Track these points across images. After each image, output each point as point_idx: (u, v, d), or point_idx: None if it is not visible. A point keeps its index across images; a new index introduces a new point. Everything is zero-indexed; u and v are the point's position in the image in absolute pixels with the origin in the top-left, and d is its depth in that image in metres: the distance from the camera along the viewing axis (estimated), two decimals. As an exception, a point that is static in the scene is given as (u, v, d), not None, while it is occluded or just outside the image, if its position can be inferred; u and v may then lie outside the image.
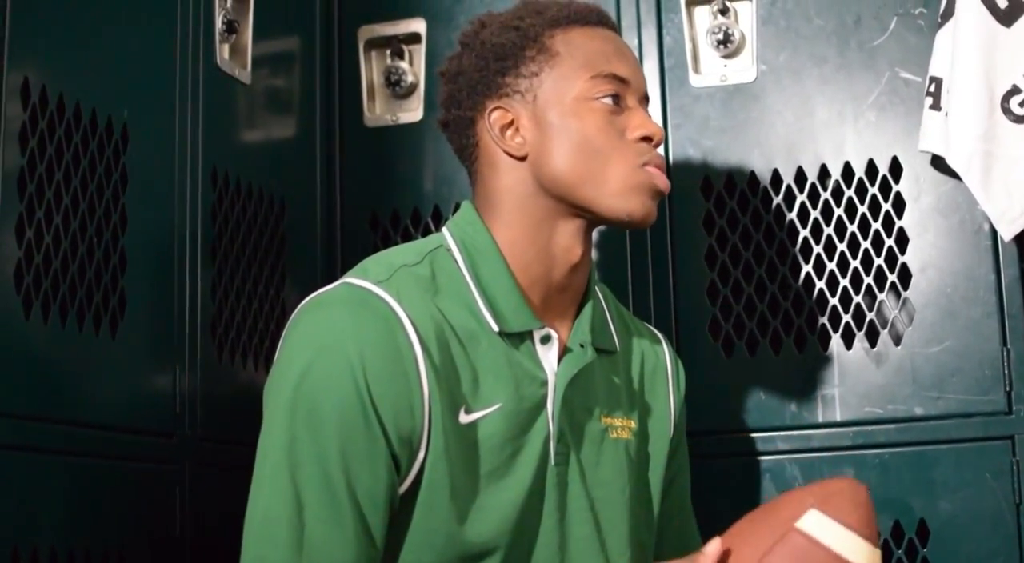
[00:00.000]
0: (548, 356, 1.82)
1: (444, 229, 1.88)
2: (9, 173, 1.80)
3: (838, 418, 2.33)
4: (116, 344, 1.99)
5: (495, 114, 1.85)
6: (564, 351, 1.85)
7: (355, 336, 1.68)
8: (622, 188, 1.80)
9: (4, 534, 1.74)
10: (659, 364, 2.03)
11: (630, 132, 1.83)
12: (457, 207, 2.55)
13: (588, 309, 1.88)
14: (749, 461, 2.36)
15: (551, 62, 1.84)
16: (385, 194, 2.63)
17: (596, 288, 1.95)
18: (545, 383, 1.81)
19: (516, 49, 1.85)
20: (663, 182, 1.83)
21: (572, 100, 1.82)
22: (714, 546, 1.61)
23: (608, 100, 1.82)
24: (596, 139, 1.81)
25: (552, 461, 1.80)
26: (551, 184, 1.82)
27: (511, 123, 1.84)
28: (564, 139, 1.81)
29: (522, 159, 1.84)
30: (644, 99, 1.88)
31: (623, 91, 1.84)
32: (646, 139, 1.83)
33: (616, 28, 1.95)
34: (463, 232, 1.85)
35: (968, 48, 2.23)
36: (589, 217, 1.84)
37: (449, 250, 1.84)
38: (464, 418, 1.74)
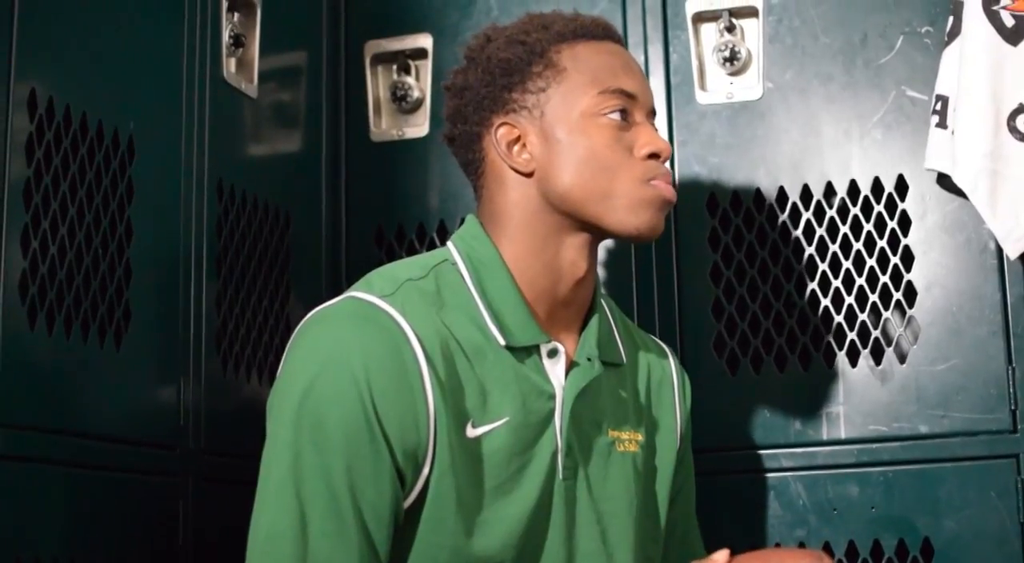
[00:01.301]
0: (555, 370, 1.81)
1: (449, 243, 1.87)
2: (15, 183, 1.80)
3: (843, 436, 2.32)
4: (120, 356, 1.98)
5: (502, 130, 1.84)
6: (571, 365, 1.84)
7: (360, 351, 1.67)
8: (629, 204, 1.79)
9: (6, 545, 1.74)
10: (665, 376, 2.02)
11: (638, 148, 1.82)
12: (462, 222, 2.56)
13: (594, 323, 1.87)
14: (753, 478, 2.36)
15: (558, 78, 1.82)
16: (390, 209, 2.63)
17: (602, 301, 1.94)
18: (553, 397, 1.80)
19: (523, 64, 1.84)
20: (670, 193, 1.82)
21: (579, 116, 1.81)
22: (723, 555, 1.61)
23: (616, 116, 1.81)
24: (603, 155, 1.80)
25: (560, 475, 1.79)
26: (558, 200, 1.81)
27: (518, 139, 1.83)
28: (571, 155, 1.80)
29: (529, 175, 1.83)
30: (651, 113, 1.87)
31: (631, 106, 1.83)
32: (654, 155, 1.82)
33: (623, 42, 1.93)
34: (468, 246, 1.84)
35: (975, 67, 2.23)
36: (596, 232, 1.83)
37: (454, 264, 1.83)
38: (471, 432, 1.73)
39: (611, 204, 1.79)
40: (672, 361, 2.05)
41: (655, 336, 2.26)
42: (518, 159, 1.83)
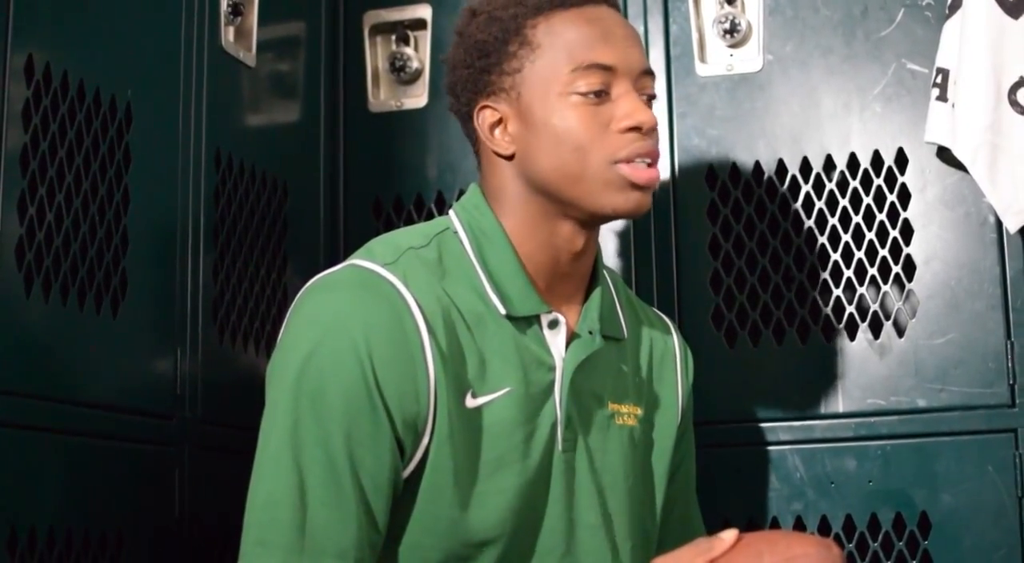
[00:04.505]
0: (556, 341, 1.80)
1: (451, 212, 1.86)
2: (12, 150, 1.79)
3: (840, 409, 2.32)
4: (117, 324, 1.98)
5: (483, 113, 1.81)
6: (572, 337, 1.82)
7: (361, 319, 1.66)
8: (599, 186, 1.75)
9: (2, 513, 1.74)
10: (668, 351, 2.00)
11: (615, 123, 1.76)
12: (461, 193, 2.55)
13: (596, 296, 1.85)
14: (751, 451, 2.36)
15: (531, 56, 1.77)
16: (388, 180, 2.62)
17: (605, 273, 1.92)
18: (553, 368, 1.79)
19: (499, 44, 1.79)
20: (643, 177, 1.76)
21: (555, 96, 1.76)
22: (731, 534, 1.59)
23: (591, 95, 1.75)
24: (576, 135, 1.74)
25: (559, 447, 1.78)
26: (539, 184, 1.78)
27: (499, 121, 1.80)
28: (547, 138, 1.76)
29: (510, 158, 1.80)
30: (642, 75, 1.79)
31: (609, 79, 1.76)
32: (634, 128, 1.76)
33: (610, 1, 1.85)
34: (470, 216, 1.82)
35: (975, 40, 2.22)
36: (579, 215, 1.79)
37: (456, 233, 1.81)
38: (470, 402, 1.72)
39: (585, 187, 1.75)
40: (675, 336, 2.04)
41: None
42: (500, 142, 1.80)
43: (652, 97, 1.82)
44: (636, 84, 1.79)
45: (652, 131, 1.77)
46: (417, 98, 2.64)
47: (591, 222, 1.81)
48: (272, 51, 2.48)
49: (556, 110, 1.75)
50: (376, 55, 2.69)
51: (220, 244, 2.25)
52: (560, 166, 1.75)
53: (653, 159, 1.77)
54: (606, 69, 1.76)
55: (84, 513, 1.90)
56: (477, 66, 1.81)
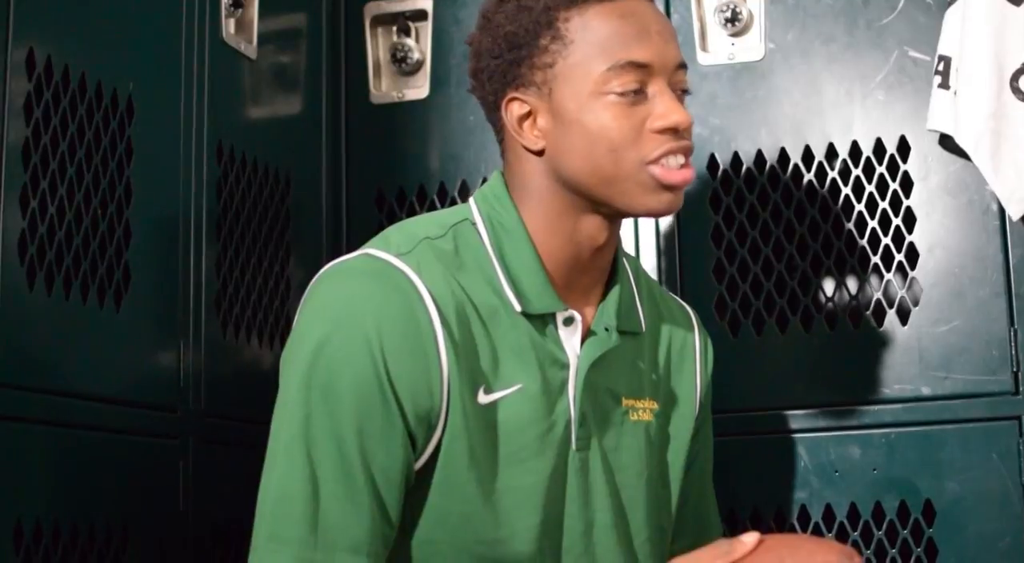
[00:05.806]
0: (571, 339, 1.77)
1: (471, 201, 1.82)
2: (14, 143, 1.79)
3: (844, 397, 2.32)
4: (120, 317, 1.98)
5: (513, 105, 1.76)
6: (588, 333, 1.79)
7: (374, 311, 1.64)
8: (633, 188, 1.71)
9: (6, 506, 1.74)
10: (687, 344, 1.97)
11: (650, 122, 1.71)
12: (464, 184, 2.55)
13: (615, 292, 1.82)
14: (755, 440, 2.36)
15: (564, 51, 1.73)
16: (390, 171, 2.62)
17: (626, 262, 1.89)
18: (567, 366, 1.76)
19: (530, 37, 1.74)
20: (676, 178, 1.72)
21: (588, 94, 1.71)
22: (752, 537, 1.58)
23: (627, 94, 1.71)
24: (611, 136, 1.70)
25: (574, 446, 1.76)
26: (568, 181, 1.74)
27: (529, 114, 1.76)
28: (579, 136, 1.72)
29: (540, 153, 1.76)
30: (677, 70, 1.75)
31: (645, 78, 1.71)
32: (670, 129, 1.71)
33: None
34: (490, 207, 1.78)
35: (977, 27, 2.22)
36: (609, 212, 1.76)
37: (474, 225, 1.78)
38: (482, 398, 1.70)
39: (618, 187, 1.71)
40: (696, 327, 2.01)
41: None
42: (529, 137, 1.76)
43: (686, 91, 1.78)
44: (671, 79, 1.74)
45: (686, 130, 1.74)
46: (419, 89, 2.64)
47: (618, 217, 1.79)
48: (273, 43, 2.48)
49: (590, 109, 1.71)
50: (377, 46, 2.68)
51: (223, 236, 2.25)
52: (593, 166, 1.71)
53: (687, 157, 1.74)
54: (642, 67, 1.71)
55: (88, 506, 1.90)
56: (507, 58, 1.76)
